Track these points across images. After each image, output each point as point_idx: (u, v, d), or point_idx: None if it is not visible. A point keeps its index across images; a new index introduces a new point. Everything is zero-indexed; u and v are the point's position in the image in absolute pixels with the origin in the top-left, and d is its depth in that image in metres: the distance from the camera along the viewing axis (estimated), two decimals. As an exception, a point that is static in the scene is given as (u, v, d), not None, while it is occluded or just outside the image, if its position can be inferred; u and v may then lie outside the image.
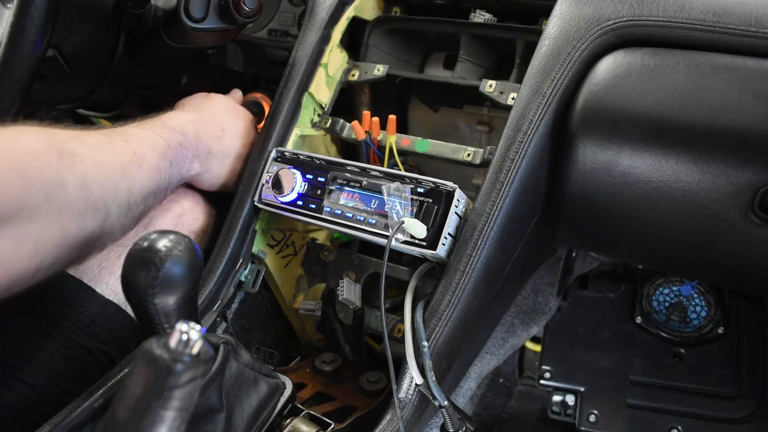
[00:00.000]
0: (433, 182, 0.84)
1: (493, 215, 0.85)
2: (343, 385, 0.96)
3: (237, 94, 1.19)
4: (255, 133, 1.06)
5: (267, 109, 1.22)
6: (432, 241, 0.83)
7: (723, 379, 1.39)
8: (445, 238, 0.83)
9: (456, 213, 0.84)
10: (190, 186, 0.99)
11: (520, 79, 0.93)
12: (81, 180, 0.72)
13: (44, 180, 0.67)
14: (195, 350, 0.48)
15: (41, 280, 0.72)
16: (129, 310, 0.86)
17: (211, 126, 0.98)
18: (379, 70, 1.08)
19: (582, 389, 1.47)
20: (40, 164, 0.67)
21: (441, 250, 0.83)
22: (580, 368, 1.48)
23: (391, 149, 1.00)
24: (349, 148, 1.18)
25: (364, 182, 0.90)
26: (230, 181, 1.01)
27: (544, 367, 1.51)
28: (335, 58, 1.09)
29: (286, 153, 0.98)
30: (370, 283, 1.03)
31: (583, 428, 1.43)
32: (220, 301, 0.96)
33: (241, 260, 0.98)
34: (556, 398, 1.49)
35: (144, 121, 0.90)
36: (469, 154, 0.97)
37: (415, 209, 0.84)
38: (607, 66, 0.87)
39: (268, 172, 0.97)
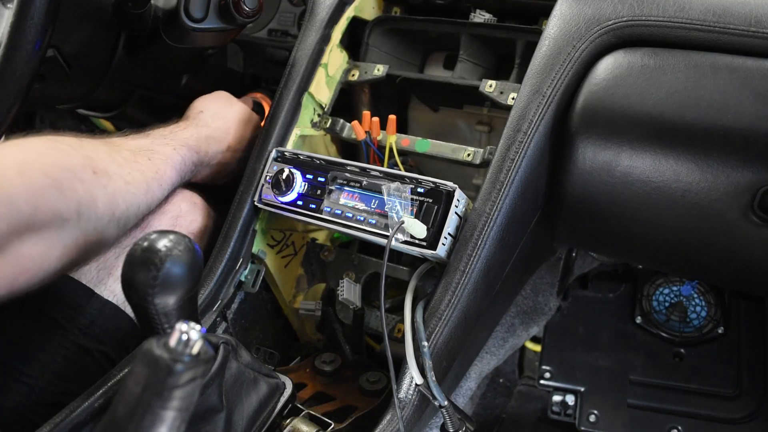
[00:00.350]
0: (433, 182, 0.84)
1: (493, 215, 0.85)
2: (343, 385, 0.96)
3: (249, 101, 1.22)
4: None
5: (267, 109, 1.22)
6: (432, 241, 0.83)
7: (723, 379, 1.39)
8: (445, 238, 0.83)
9: (456, 213, 0.84)
10: (187, 188, 1.00)
11: (520, 79, 0.93)
12: (110, 198, 0.78)
13: (78, 195, 0.74)
14: (195, 350, 0.48)
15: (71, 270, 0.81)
16: (128, 311, 0.86)
17: (222, 142, 1.03)
18: (379, 70, 1.08)
19: (582, 389, 1.47)
20: (75, 180, 0.74)
21: (441, 250, 0.83)
22: (580, 368, 1.48)
23: (391, 149, 1.00)
24: (349, 148, 1.18)
25: (364, 182, 0.90)
26: (213, 182, 1.06)
27: (544, 367, 1.51)
28: (335, 58, 1.09)
29: (286, 153, 0.98)
30: (370, 283, 1.03)
31: (583, 428, 1.43)
32: (220, 301, 0.96)
33: (241, 260, 0.98)
34: (556, 398, 1.49)
35: (166, 130, 0.96)
36: (469, 154, 0.97)
37: (415, 209, 0.84)
38: (607, 66, 0.87)
39: (268, 172, 0.98)
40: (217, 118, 1.04)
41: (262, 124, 1.06)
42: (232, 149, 1.05)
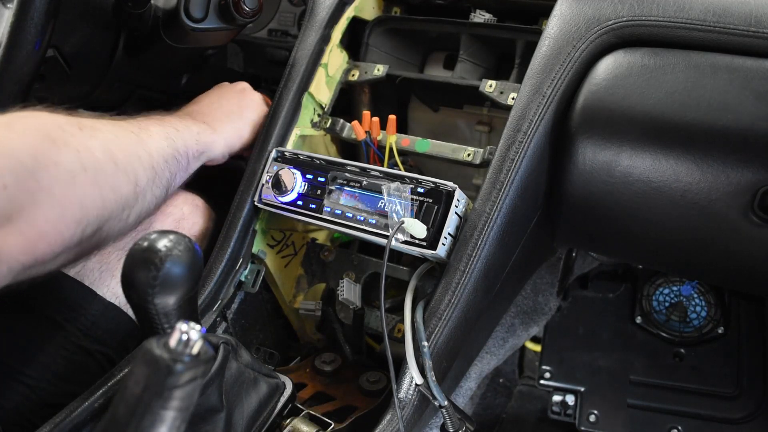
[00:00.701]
0: (433, 182, 0.84)
1: (493, 215, 0.85)
2: (343, 385, 0.96)
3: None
4: (246, 91, 1.07)
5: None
6: (432, 241, 0.83)
7: (723, 379, 1.39)
8: (445, 238, 0.83)
9: (456, 213, 0.84)
10: (189, 190, 1.00)
11: (520, 79, 0.93)
12: (104, 146, 0.76)
13: (73, 146, 0.72)
14: (195, 350, 0.48)
15: (83, 253, 0.78)
16: (130, 312, 0.86)
17: (201, 100, 1.03)
18: (379, 70, 1.08)
19: (582, 389, 1.47)
20: (65, 133, 0.72)
21: (441, 250, 0.83)
22: (580, 368, 1.48)
23: (391, 149, 1.00)
24: (349, 148, 1.18)
25: (364, 182, 0.90)
26: (237, 145, 1.02)
27: (544, 367, 1.51)
28: (335, 58, 1.09)
29: (286, 153, 0.98)
30: (370, 283, 1.03)
31: (583, 428, 1.43)
32: (220, 301, 0.96)
33: (241, 260, 0.98)
34: (556, 398, 1.49)
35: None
36: (469, 154, 0.97)
37: (415, 209, 0.84)
38: (607, 66, 0.87)
39: (268, 172, 0.98)
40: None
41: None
42: (225, 97, 1.03)
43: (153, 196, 0.84)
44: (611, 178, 0.86)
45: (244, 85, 1.08)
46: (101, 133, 0.77)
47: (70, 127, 0.74)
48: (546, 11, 0.95)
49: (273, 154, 0.98)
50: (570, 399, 1.48)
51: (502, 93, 0.97)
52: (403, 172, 0.89)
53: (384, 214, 0.87)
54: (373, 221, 0.87)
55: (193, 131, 0.93)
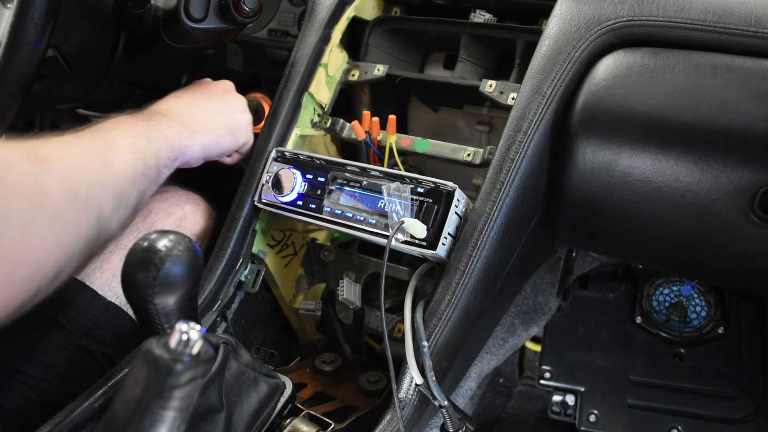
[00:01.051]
0: (433, 182, 0.84)
1: (493, 215, 0.85)
2: (343, 385, 0.96)
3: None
4: (226, 92, 1.01)
5: (267, 109, 1.22)
6: (432, 241, 0.83)
7: (723, 379, 1.39)
8: (445, 238, 0.83)
9: (456, 213, 0.84)
10: (191, 190, 1.00)
11: (520, 79, 0.93)
12: (64, 181, 0.68)
13: (25, 189, 0.64)
14: (195, 350, 0.48)
15: (38, 301, 0.68)
16: (131, 312, 0.86)
17: (167, 99, 0.96)
18: (379, 70, 1.08)
19: (582, 389, 1.47)
20: (16, 174, 0.64)
21: (441, 250, 0.83)
22: (580, 368, 1.48)
23: (391, 149, 1.00)
24: (349, 148, 1.18)
25: (364, 182, 0.90)
26: (214, 151, 0.95)
27: (544, 367, 1.51)
28: (335, 58, 1.09)
29: (286, 153, 0.98)
30: (370, 283, 1.03)
31: (583, 428, 1.43)
32: (220, 301, 0.96)
33: (241, 260, 0.98)
34: (556, 398, 1.49)
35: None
36: (469, 154, 0.97)
37: (415, 209, 0.84)
38: (607, 66, 0.87)
39: (268, 172, 0.98)
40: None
41: (261, 124, 1.06)
42: (200, 94, 0.97)
43: (118, 221, 0.77)
44: (611, 178, 0.86)
45: (227, 85, 1.03)
46: (60, 163, 0.69)
47: (22, 162, 0.65)
48: (546, 11, 0.95)
49: (273, 154, 0.98)
50: (570, 399, 1.48)
51: (502, 93, 0.97)
52: (403, 172, 0.89)
53: (384, 214, 0.87)
54: (373, 221, 0.87)
55: (166, 136, 0.85)
